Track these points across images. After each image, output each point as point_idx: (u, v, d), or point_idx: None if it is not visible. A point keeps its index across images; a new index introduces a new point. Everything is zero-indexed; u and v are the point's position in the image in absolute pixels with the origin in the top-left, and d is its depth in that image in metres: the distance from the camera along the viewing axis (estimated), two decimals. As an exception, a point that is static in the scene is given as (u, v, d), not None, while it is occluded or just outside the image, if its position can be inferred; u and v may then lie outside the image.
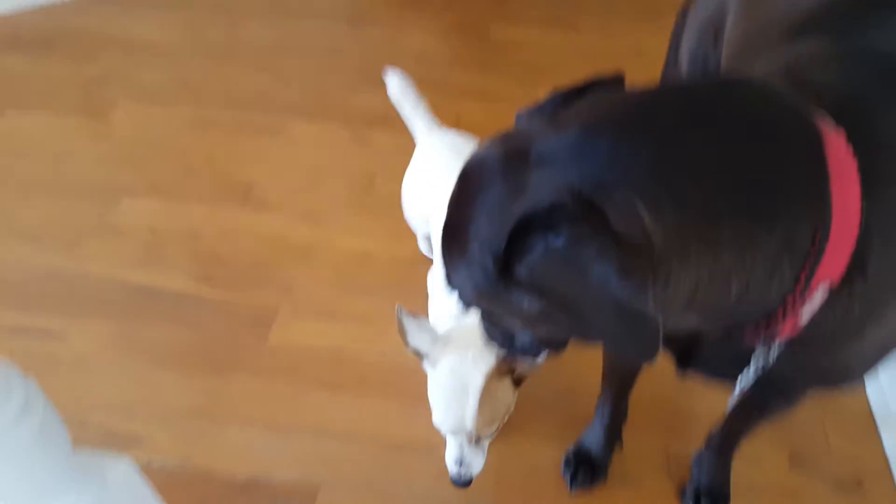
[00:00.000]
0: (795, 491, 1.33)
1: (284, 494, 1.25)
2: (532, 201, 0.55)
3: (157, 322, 1.50)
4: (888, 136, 0.64)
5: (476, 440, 1.05)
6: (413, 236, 1.60)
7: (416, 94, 1.45)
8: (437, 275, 1.23)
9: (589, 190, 0.54)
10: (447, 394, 1.01)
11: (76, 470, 0.74)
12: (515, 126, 0.66)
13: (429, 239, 1.45)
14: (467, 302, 0.69)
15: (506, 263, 0.57)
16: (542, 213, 0.54)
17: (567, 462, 1.31)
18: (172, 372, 1.42)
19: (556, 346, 0.79)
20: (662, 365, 1.18)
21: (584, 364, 1.28)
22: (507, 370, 1.02)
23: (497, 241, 0.57)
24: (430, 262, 1.48)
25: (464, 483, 1.08)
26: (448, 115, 1.40)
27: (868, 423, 1.43)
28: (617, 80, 0.66)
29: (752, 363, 0.71)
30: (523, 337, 0.78)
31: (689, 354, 0.80)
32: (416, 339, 1.04)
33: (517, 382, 1.05)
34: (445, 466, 1.12)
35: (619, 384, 1.23)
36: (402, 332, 1.04)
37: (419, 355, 1.05)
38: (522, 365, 1.01)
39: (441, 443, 1.13)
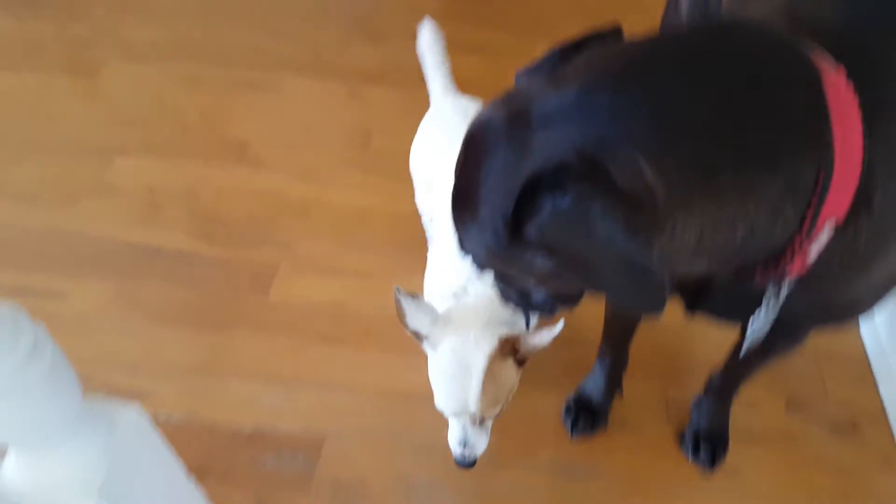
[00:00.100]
0: (792, 434, 1.35)
1: (290, 445, 1.27)
2: (537, 162, 0.56)
3: (157, 280, 1.50)
4: (889, 71, 0.63)
5: (480, 421, 1.03)
6: (412, 193, 1.59)
7: (443, 52, 1.41)
8: (436, 251, 1.20)
9: (592, 148, 0.54)
10: (449, 376, 0.98)
11: (86, 415, 0.75)
12: (515, 86, 0.65)
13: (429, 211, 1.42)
14: (481, 265, 0.70)
15: (516, 224, 0.58)
16: (548, 173, 0.55)
17: (568, 409, 1.33)
18: (174, 329, 1.42)
19: (570, 301, 0.80)
20: (662, 314, 1.20)
21: (585, 314, 1.28)
22: (510, 350, 0.99)
23: (506, 203, 0.58)
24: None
25: (468, 464, 1.05)
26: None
27: (864, 368, 1.45)
28: (615, 33, 0.66)
29: (763, 303, 0.72)
30: (538, 294, 0.80)
31: (697, 297, 0.80)
32: (415, 320, 1.00)
33: (520, 362, 1.01)
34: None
35: (619, 333, 1.24)
36: (401, 314, 1.00)
37: (418, 337, 1.02)
38: (525, 344, 0.97)
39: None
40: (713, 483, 1.28)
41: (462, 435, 1.03)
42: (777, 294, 0.70)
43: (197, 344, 1.40)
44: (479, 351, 0.96)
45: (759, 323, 0.75)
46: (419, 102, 1.91)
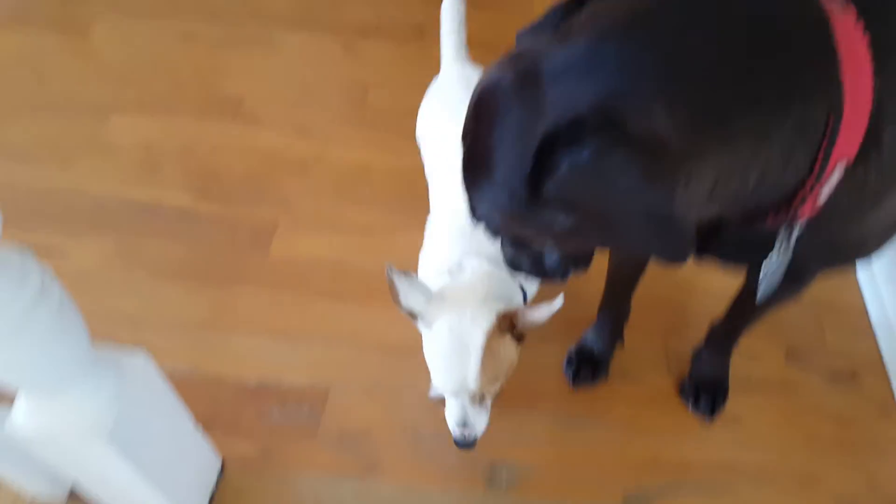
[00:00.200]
0: (792, 383, 1.37)
1: (295, 397, 1.28)
2: (552, 120, 0.55)
3: (156, 237, 1.49)
4: None
5: (479, 399, 1.00)
6: (412, 149, 1.58)
7: (462, 17, 1.35)
8: (432, 227, 1.17)
9: (605, 101, 0.54)
10: (447, 354, 0.95)
11: (94, 361, 0.75)
12: (517, 46, 0.65)
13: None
14: (495, 230, 0.70)
15: (534, 184, 0.58)
16: (564, 130, 0.55)
17: (569, 360, 1.34)
18: (175, 285, 1.42)
19: (583, 262, 0.80)
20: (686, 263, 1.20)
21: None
22: (508, 326, 0.95)
23: (523, 163, 0.58)
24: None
25: (468, 444, 1.02)
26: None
27: (862, 319, 1.47)
28: None
29: (775, 247, 0.72)
30: (551, 259, 0.79)
31: (707, 241, 0.81)
32: (409, 298, 0.96)
33: (518, 338, 0.98)
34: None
35: (622, 285, 1.24)
36: (394, 293, 0.95)
37: (412, 316, 0.98)
38: (523, 320, 0.94)
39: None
40: (713, 431, 1.30)
41: (461, 415, 1.00)
42: (789, 237, 0.71)
43: (199, 299, 1.40)
44: (477, 327, 0.93)
45: (773, 266, 0.75)
46: (416, 57, 1.89)
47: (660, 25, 0.56)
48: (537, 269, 0.84)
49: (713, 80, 0.56)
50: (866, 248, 0.77)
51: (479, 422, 1.01)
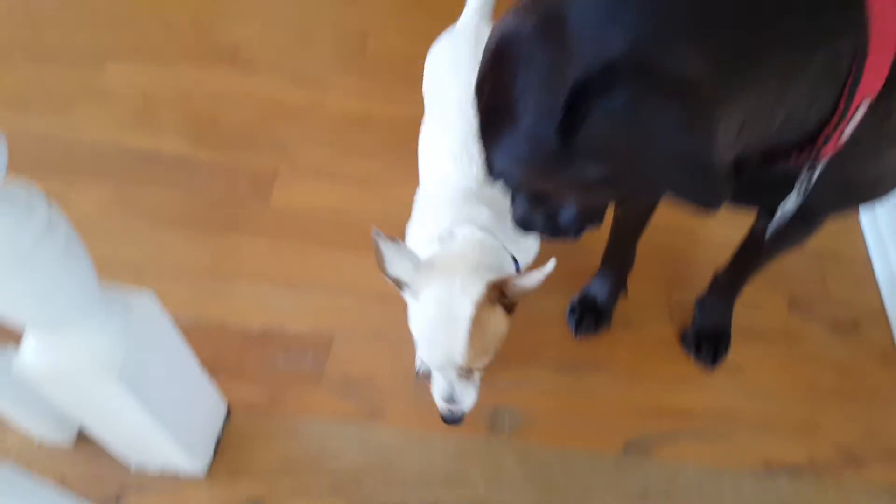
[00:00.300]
0: (794, 333, 1.37)
1: (299, 344, 1.28)
2: (582, 67, 0.54)
3: (155, 185, 1.48)
4: None
5: (467, 374, 0.95)
6: (413, 98, 1.55)
7: None
8: (422, 193, 1.13)
9: (636, 46, 0.53)
10: (434, 326, 0.90)
11: (102, 298, 0.74)
12: None
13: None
14: (514, 185, 0.69)
15: (565, 134, 0.57)
16: (596, 76, 0.53)
17: (572, 309, 1.34)
18: (176, 233, 1.41)
19: (598, 217, 0.79)
20: (666, 215, 1.20)
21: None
22: (498, 296, 0.90)
23: (552, 112, 0.56)
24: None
25: (455, 420, 0.98)
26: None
27: (865, 269, 1.47)
28: None
29: (796, 186, 0.72)
30: (567, 215, 0.78)
31: None
32: (396, 266, 0.91)
33: (509, 308, 0.93)
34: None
35: (628, 233, 1.23)
36: (380, 260, 0.90)
37: (399, 285, 0.93)
38: (514, 288, 0.89)
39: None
40: (714, 380, 1.31)
41: (448, 390, 0.96)
42: (810, 177, 0.70)
43: (200, 247, 1.39)
44: (466, 298, 0.88)
45: (791, 205, 0.74)
46: (418, 2, 1.85)
47: None
48: (551, 227, 0.81)
49: (742, 21, 0.55)
50: (882, 187, 0.77)
51: (467, 397, 0.97)
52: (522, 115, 0.59)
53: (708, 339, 1.31)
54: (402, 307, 0.94)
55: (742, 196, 0.82)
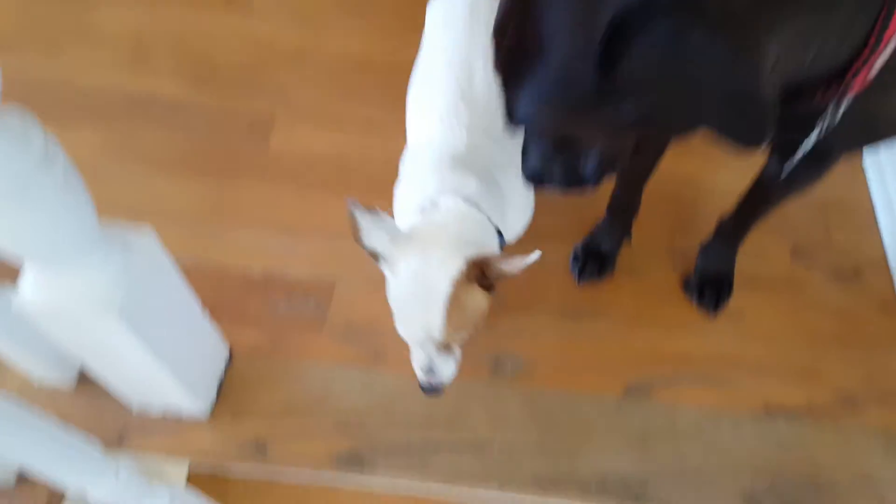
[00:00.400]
0: (796, 280, 1.37)
1: (301, 289, 1.27)
2: (619, 0, 0.52)
3: (151, 128, 1.45)
4: None
5: (446, 347, 0.93)
6: (413, 41, 1.51)
7: None
8: (409, 157, 1.08)
9: None
10: (410, 301, 0.87)
11: (102, 234, 0.73)
12: None
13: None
14: (541, 131, 0.67)
15: (604, 71, 0.55)
16: (635, 10, 0.51)
17: (576, 256, 1.34)
18: (174, 176, 1.38)
19: (619, 162, 0.76)
20: (671, 162, 1.18)
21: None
22: (477, 275, 0.86)
23: (590, 49, 0.54)
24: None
25: (434, 391, 0.97)
26: None
27: (869, 218, 1.46)
28: None
29: (819, 122, 0.70)
30: (589, 161, 0.75)
31: None
32: (372, 237, 0.87)
33: (488, 288, 0.89)
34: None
35: (635, 180, 1.22)
36: (356, 230, 0.87)
37: (375, 256, 0.89)
38: (495, 268, 0.85)
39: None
40: (715, 325, 1.31)
41: (427, 362, 0.94)
42: (835, 113, 0.69)
43: (199, 191, 1.37)
44: (443, 274, 0.84)
45: (812, 143, 0.73)
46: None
47: None
48: (570, 177, 0.78)
49: None
50: None
51: (446, 369, 0.95)
52: (554, 53, 0.57)
53: (710, 285, 1.31)
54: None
55: None
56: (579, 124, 0.65)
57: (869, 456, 1.19)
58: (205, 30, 1.61)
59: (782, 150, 0.79)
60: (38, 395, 1.12)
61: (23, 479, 1.06)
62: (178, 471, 1.14)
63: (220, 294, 1.24)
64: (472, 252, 0.86)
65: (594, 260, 1.32)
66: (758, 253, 1.37)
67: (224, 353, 1.17)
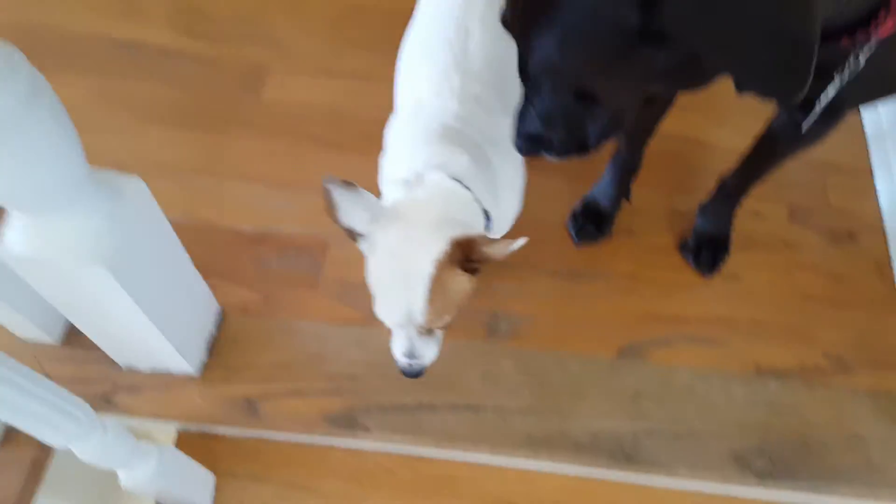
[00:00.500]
0: (792, 242, 1.37)
1: (294, 246, 1.25)
2: None
3: (141, 78, 1.40)
4: None
5: (428, 330, 0.88)
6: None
7: None
8: (398, 127, 1.01)
9: None
10: (389, 282, 0.82)
11: (90, 180, 0.70)
12: None
13: None
14: (559, 80, 0.63)
15: (644, 16, 0.53)
16: None
17: (574, 217, 1.32)
18: (164, 128, 1.35)
19: (625, 124, 0.74)
20: (671, 119, 1.15)
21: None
22: (461, 259, 0.80)
23: None
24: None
25: (415, 374, 0.92)
26: None
27: (867, 181, 1.45)
28: None
29: (843, 68, 0.68)
30: (598, 119, 0.72)
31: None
32: (350, 215, 0.81)
33: (472, 271, 0.83)
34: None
35: (640, 135, 1.19)
36: (331, 208, 0.81)
37: (353, 235, 0.84)
38: (479, 250, 0.79)
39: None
40: (711, 286, 1.30)
41: (408, 346, 0.88)
42: (857, 61, 0.67)
43: (189, 144, 1.33)
44: (425, 254, 0.79)
45: (832, 93, 0.71)
46: None
47: None
48: (572, 139, 0.75)
49: None
50: None
51: (428, 352, 0.90)
52: (586, 4, 0.54)
53: (707, 246, 1.30)
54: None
55: None
56: (607, 74, 0.61)
57: (858, 417, 1.20)
58: (194, -25, 1.55)
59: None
60: (23, 351, 1.10)
61: (10, 436, 1.04)
62: (168, 430, 1.13)
63: (210, 251, 1.22)
64: (457, 232, 0.80)
65: (592, 221, 1.31)
66: (755, 213, 1.37)
67: (215, 311, 1.15)
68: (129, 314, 0.86)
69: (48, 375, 0.70)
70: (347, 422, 1.12)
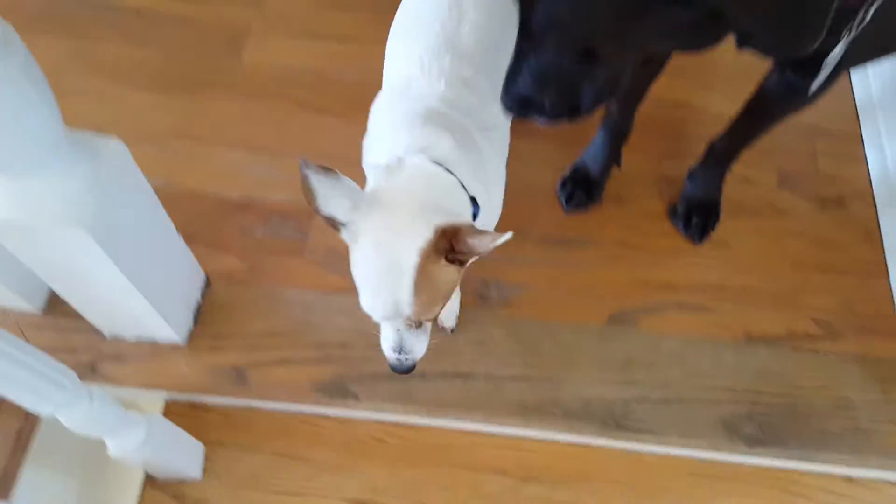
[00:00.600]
0: (781, 208, 1.36)
1: (280, 213, 1.22)
2: None
3: (117, 38, 1.36)
4: None
5: (417, 323, 0.84)
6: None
7: None
8: (383, 108, 0.95)
9: None
10: (375, 274, 0.77)
11: (68, 141, 0.67)
12: None
13: None
14: (566, 36, 0.61)
15: None
16: None
17: (564, 183, 1.30)
18: (142, 91, 1.31)
19: (619, 87, 0.71)
20: (661, 83, 1.14)
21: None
22: (446, 249, 0.76)
23: None
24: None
25: (406, 370, 0.88)
26: None
27: (856, 147, 1.45)
28: None
29: (852, 22, 0.66)
30: (590, 88, 0.69)
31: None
32: (330, 203, 0.76)
33: (458, 262, 0.79)
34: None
35: (630, 98, 1.17)
36: (310, 195, 0.76)
37: (334, 224, 0.79)
38: (465, 241, 0.74)
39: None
40: (700, 253, 1.30)
41: (397, 341, 0.85)
42: (863, 17, 0.65)
43: (169, 108, 1.29)
44: (410, 244, 0.75)
45: (841, 47, 0.69)
46: None
47: None
48: (565, 102, 0.72)
49: None
50: None
51: (418, 346, 0.86)
52: None
53: (697, 212, 1.29)
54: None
55: None
56: (620, 31, 0.59)
57: (846, 382, 1.21)
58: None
59: (797, 62, 0.75)
60: (3, 320, 1.07)
61: (-6, 405, 1.02)
62: (155, 400, 1.11)
63: (194, 219, 1.19)
64: (442, 219, 0.76)
65: (582, 187, 1.29)
66: (745, 180, 1.36)
67: (201, 279, 1.13)
68: (113, 280, 0.83)
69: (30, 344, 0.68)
70: (337, 390, 1.10)
